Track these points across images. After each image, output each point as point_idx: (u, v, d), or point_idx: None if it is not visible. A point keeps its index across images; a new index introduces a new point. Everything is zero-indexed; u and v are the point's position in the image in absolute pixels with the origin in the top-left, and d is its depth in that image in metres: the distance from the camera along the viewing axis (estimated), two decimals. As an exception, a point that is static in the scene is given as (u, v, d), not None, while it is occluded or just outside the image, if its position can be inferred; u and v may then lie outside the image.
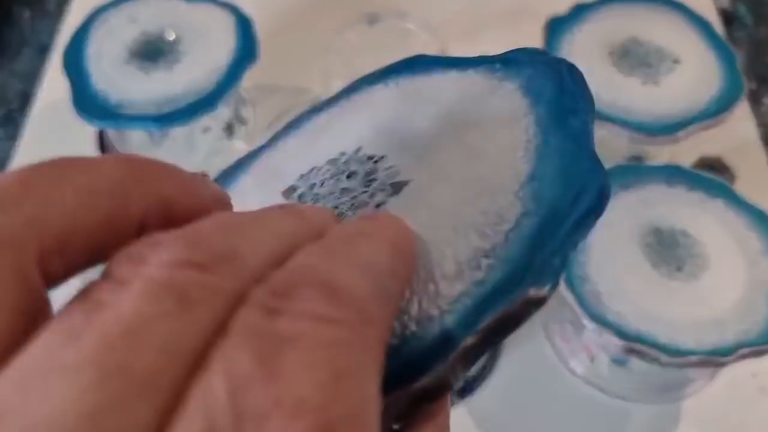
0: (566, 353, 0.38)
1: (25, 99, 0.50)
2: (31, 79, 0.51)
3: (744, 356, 0.31)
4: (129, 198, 0.11)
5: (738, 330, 0.32)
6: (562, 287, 0.33)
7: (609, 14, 0.44)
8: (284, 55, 0.50)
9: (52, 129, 0.48)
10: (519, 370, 0.38)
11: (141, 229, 0.12)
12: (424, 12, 0.49)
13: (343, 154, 0.18)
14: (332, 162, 0.18)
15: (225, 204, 0.14)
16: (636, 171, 0.37)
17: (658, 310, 0.33)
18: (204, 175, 0.15)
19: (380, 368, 0.10)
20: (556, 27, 0.43)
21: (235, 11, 0.44)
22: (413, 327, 0.13)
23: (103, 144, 0.47)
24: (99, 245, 0.11)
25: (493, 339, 0.14)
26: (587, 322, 0.32)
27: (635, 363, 0.35)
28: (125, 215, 0.11)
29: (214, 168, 0.46)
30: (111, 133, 0.47)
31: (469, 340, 0.13)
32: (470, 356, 0.13)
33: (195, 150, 0.45)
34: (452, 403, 0.37)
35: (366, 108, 0.18)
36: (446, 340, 0.13)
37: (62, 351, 0.09)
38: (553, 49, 0.42)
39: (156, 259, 0.10)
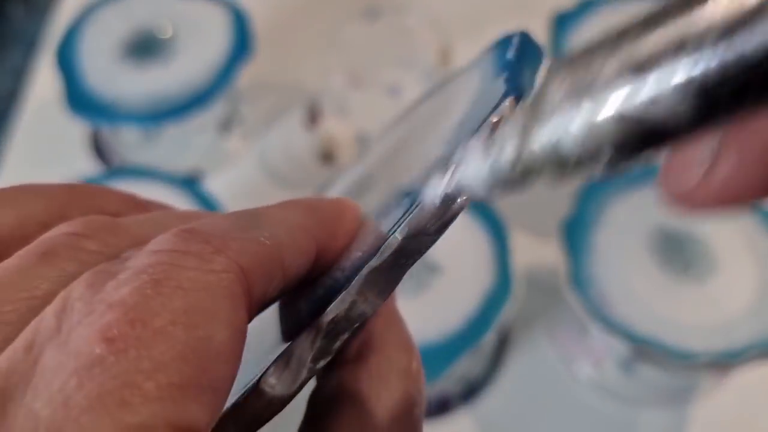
0: (572, 357, 0.38)
1: (16, 96, 0.49)
2: (23, 75, 0.50)
3: (753, 359, 0.31)
4: (67, 214, 0.13)
5: (747, 332, 0.32)
6: (567, 290, 0.32)
7: (616, 9, 0.43)
8: (281, 52, 0.49)
9: (44, 127, 0.47)
10: (523, 375, 0.37)
11: None
12: (425, 7, 0.48)
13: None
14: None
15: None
16: (643, 171, 0.37)
17: (666, 312, 0.32)
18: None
19: (236, 296, 0.11)
20: (562, 22, 0.42)
21: (231, 7, 0.43)
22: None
23: (96, 142, 0.46)
24: None
25: (400, 261, 0.13)
26: (593, 326, 0.32)
27: (642, 367, 0.35)
28: (62, 221, 0.13)
29: (209, 165, 0.45)
30: (104, 131, 0.46)
31: (374, 262, 0.13)
32: (379, 280, 0.13)
33: (190, 148, 0.45)
34: (456, 408, 0.36)
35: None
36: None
37: None
38: (560, 44, 0.41)
39: (53, 231, 0.12)
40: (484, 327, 0.32)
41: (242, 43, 0.41)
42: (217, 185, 0.42)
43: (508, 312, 0.32)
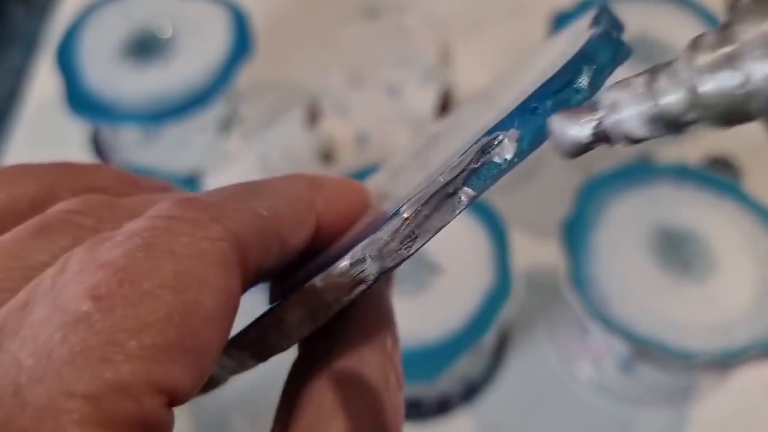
0: (571, 357, 0.38)
1: (15, 96, 0.49)
2: (23, 75, 0.50)
3: (753, 359, 0.31)
4: (57, 191, 0.13)
5: (747, 332, 0.32)
6: (567, 290, 0.32)
7: (616, 10, 0.43)
8: (281, 51, 0.49)
9: (44, 126, 0.47)
10: (523, 375, 0.37)
11: None
12: (424, 7, 0.48)
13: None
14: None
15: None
16: (643, 171, 0.37)
17: (666, 312, 0.32)
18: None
19: (230, 264, 0.11)
20: (561, 23, 0.42)
21: (231, 6, 0.43)
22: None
23: (96, 141, 0.46)
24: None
25: (406, 240, 0.12)
26: (593, 326, 0.32)
27: (642, 367, 0.35)
28: (52, 197, 0.13)
29: (209, 165, 0.45)
30: (104, 131, 0.46)
31: (380, 234, 0.12)
32: (384, 254, 0.12)
33: (190, 148, 0.45)
34: (456, 407, 0.36)
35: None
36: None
37: None
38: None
39: (51, 210, 0.12)
40: (483, 327, 0.32)
41: (242, 42, 0.41)
42: (216, 185, 0.42)
43: (507, 312, 0.32)
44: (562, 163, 0.44)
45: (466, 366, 0.36)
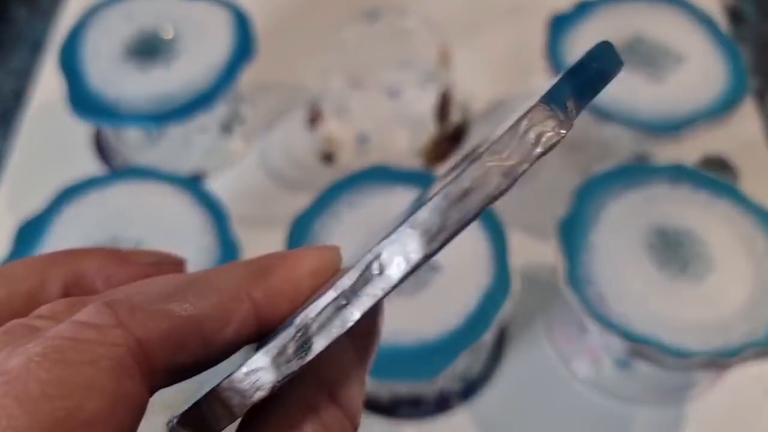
0: (569, 355, 0.38)
1: (19, 97, 0.50)
2: (26, 77, 0.51)
3: (749, 358, 0.31)
4: (47, 283, 0.15)
5: (743, 331, 0.32)
6: (565, 289, 0.33)
7: (612, 11, 0.43)
8: (282, 53, 0.50)
9: (47, 128, 0.47)
10: (521, 373, 0.38)
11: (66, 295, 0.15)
12: (424, 9, 0.49)
13: None
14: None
15: (171, 264, 0.17)
16: (640, 171, 0.37)
17: (663, 311, 0.32)
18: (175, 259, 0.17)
19: (124, 368, 0.12)
20: (559, 25, 0.42)
21: (233, 8, 0.43)
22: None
23: (99, 142, 0.47)
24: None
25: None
26: (590, 324, 0.32)
27: (639, 365, 0.35)
28: (43, 290, 0.15)
29: (211, 165, 0.46)
30: (107, 132, 0.46)
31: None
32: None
33: (192, 149, 0.45)
34: (455, 405, 0.37)
35: None
36: None
37: None
38: (556, 46, 0.41)
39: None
40: (482, 325, 0.32)
41: (244, 44, 0.42)
42: (218, 185, 0.43)
43: (506, 310, 0.33)
44: (560, 163, 0.44)
45: (465, 364, 0.36)
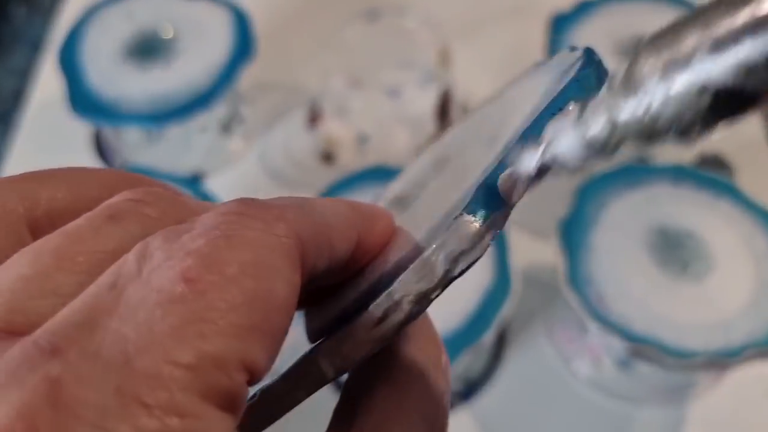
0: (570, 355, 0.38)
1: (19, 97, 0.50)
2: (26, 76, 0.51)
3: (750, 358, 0.31)
4: (116, 194, 0.14)
5: (744, 331, 0.32)
6: (566, 289, 0.33)
7: (614, 11, 0.43)
8: (282, 53, 0.50)
9: (47, 127, 0.47)
10: (522, 373, 0.38)
11: None
12: (424, 8, 0.49)
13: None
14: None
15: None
16: (641, 171, 0.37)
17: (663, 311, 0.32)
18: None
19: (295, 259, 0.12)
20: (560, 24, 0.42)
21: (233, 8, 0.43)
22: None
23: (99, 142, 0.47)
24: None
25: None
26: (591, 325, 0.32)
27: (640, 365, 0.35)
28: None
29: (211, 165, 0.45)
30: (107, 131, 0.46)
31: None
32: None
33: (192, 148, 0.45)
34: (455, 405, 0.37)
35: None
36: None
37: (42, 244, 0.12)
38: (556, 47, 0.41)
39: (117, 198, 0.13)
40: (483, 325, 0.32)
41: (244, 44, 0.42)
42: (218, 185, 0.43)
43: (506, 310, 0.33)
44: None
45: (466, 364, 0.36)
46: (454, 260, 0.13)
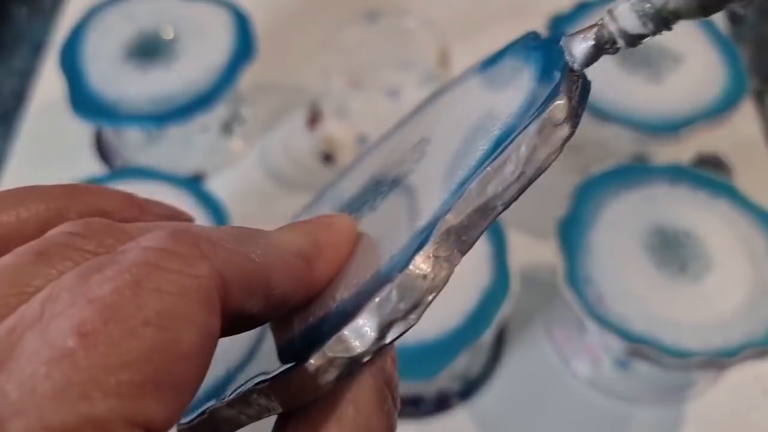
0: (569, 355, 0.38)
1: (20, 97, 0.50)
2: (27, 77, 0.51)
3: (748, 357, 0.31)
4: (65, 214, 0.14)
5: (742, 331, 0.32)
6: (564, 288, 0.33)
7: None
8: (283, 54, 0.50)
9: (48, 128, 0.47)
10: (521, 372, 0.38)
11: None
12: (424, 9, 0.49)
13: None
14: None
15: (184, 220, 0.16)
16: (639, 170, 0.37)
17: (662, 311, 0.32)
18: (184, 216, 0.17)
19: (212, 303, 0.11)
20: (559, 25, 0.42)
21: (233, 9, 0.43)
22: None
23: (99, 143, 0.47)
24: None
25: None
26: (590, 324, 0.32)
27: (638, 365, 0.35)
28: (59, 221, 0.14)
29: (211, 166, 0.46)
30: (108, 132, 0.46)
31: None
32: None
33: (192, 149, 0.45)
34: (455, 405, 0.37)
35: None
36: None
37: None
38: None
39: (52, 231, 0.12)
40: (482, 324, 0.32)
41: (244, 45, 0.42)
42: (219, 186, 0.43)
43: (505, 310, 0.33)
44: (560, 163, 0.44)
45: (465, 364, 0.36)
46: (387, 327, 0.13)
